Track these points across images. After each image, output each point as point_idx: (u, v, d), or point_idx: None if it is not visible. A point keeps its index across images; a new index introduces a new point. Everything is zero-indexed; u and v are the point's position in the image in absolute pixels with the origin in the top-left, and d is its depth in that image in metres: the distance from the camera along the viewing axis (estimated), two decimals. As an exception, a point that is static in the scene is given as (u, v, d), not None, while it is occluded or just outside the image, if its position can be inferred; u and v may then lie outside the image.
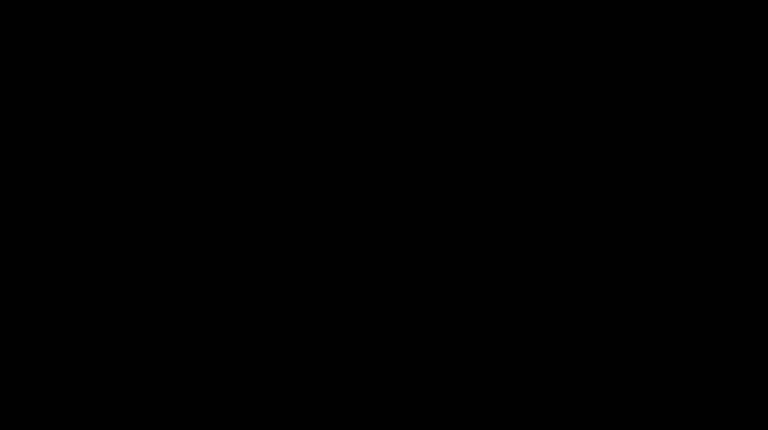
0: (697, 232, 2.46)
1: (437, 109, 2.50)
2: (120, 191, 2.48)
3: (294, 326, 2.46)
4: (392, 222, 2.48)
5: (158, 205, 2.47)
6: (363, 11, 2.50)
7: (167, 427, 2.43)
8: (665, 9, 2.48)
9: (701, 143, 2.47)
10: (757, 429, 2.40)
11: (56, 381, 2.44)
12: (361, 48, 2.50)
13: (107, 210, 2.47)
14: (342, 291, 2.47)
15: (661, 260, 2.45)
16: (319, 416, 2.44)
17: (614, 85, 2.48)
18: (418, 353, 2.45)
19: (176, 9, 2.49)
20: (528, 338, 2.45)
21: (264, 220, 2.48)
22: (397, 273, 2.47)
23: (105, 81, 2.49)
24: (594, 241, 2.46)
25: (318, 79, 2.50)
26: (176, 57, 2.50)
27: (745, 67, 2.48)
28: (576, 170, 2.48)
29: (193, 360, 2.45)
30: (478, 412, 2.44)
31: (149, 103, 2.49)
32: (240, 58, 2.50)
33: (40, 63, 2.49)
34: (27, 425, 2.42)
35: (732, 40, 2.48)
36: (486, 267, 2.47)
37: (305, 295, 2.47)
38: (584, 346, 2.44)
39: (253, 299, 2.47)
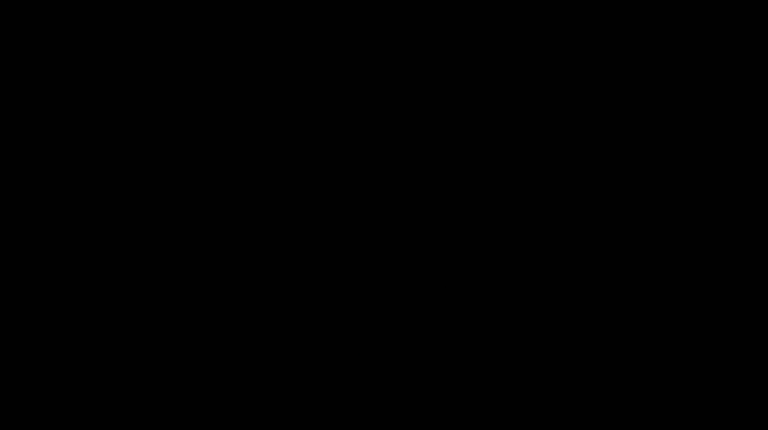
0: (697, 232, 2.46)
1: (437, 109, 2.50)
2: (120, 191, 2.48)
3: (294, 326, 2.47)
4: (392, 222, 2.48)
5: (158, 205, 2.48)
6: (363, 11, 2.50)
7: (167, 427, 2.43)
8: (665, 9, 2.48)
9: (701, 143, 2.47)
10: (757, 429, 2.40)
11: (56, 381, 2.44)
12: (362, 48, 2.50)
13: (107, 210, 2.47)
14: (342, 291, 2.47)
15: (661, 260, 2.46)
16: (319, 416, 2.44)
17: (614, 86, 2.49)
18: (418, 354, 2.45)
19: (176, 9, 2.50)
20: (528, 338, 2.45)
21: (264, 220, 2.48)
22: (397, 273, 2.47)
23: (105, 81, 2.50)
24: (594, 241, 2.46)
25: (318, 79, 2.50)
26: (176, 57, 2.50)
27: (745, 67, 2.48)
28: (575, 170, 2.48)
29: (193, 360, 2.45)
30: (478, 412, 2.44)
31: (149, 104, 2.49)
32: (240, 58, 2.51)
33: (40, 63, 2.49)
34: (27, 425, 2.42)
35: (732, 40, 2.48)
36: (486, 267, 2.47)
37: (305, 295, 2.47)
38: (585, 346, 2.45)
39: (253, 299, 2.47)
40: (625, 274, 2.45)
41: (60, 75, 2.49)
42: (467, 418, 2.43)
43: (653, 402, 2.42)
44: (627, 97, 2.48)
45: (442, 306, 2.47)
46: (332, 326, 2.46)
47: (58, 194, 2.47)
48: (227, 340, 2.46)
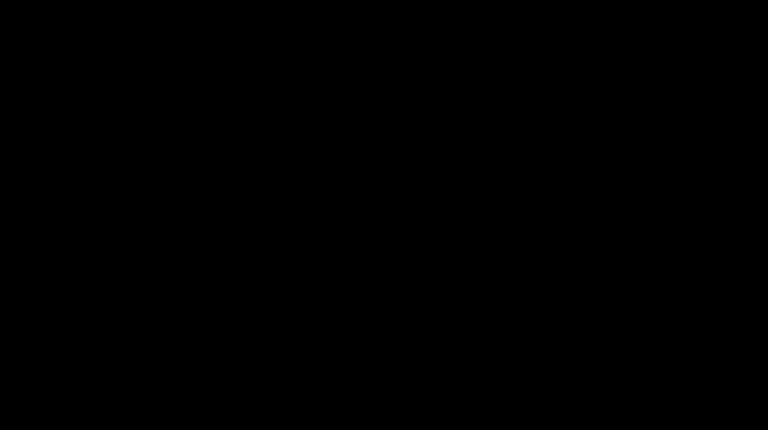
0: (697, 232, 2.46)
1: (437, 109, 2.50)
2: (120, 191, 2.48)
3: (294, 326, 2.47)
4: (392, 222, 2.48)
5: (158, 205, 2.48)
6: (363, 11, 2.50)
7: (167, 427, 2.43)
8: (665, 9, 2.48)
9: (701, 143, 2.47)
10: (757, 429, 2.40)
11: (56, 381, 2.44)
12: (362, 48, 2.50)
13: (107, 210, 2.47)
14: (342, 291, 2.47)
15: (661, 260, 2.46)
16: (319, 416, 2.44)
17: (614, 85, 2.49)
18: (418, 354, 2.45)
19: (176, 9, 2.50)
20: (528, 338, 2.45)
21: (264, 220, 2.48)
22: (397, 273, 2.47)
23: (105, 81, 2.50)
24: (594, 241, 2.47)
25: (318, 79, 2.50)
26: (176, 57, 2.50)
27: (745, 67, 2.48)
28: (576, 170, 2.48)
29: (193, 360, 2.45)
30: (478, 412, 2.44)
31: (149, 103, 2.49)
32: (240, 58, 2.51)
33: (40, 63, 2.49)
34: (27, 425, 2.42)
35: (732, 40, 2.48)
36: (486, 267, 2.47)
37: (305, 295, 2.47)
38: (585, 346, 2.45)
39: (253, 299, 2.47)
40: (625, 274, 2.46)
41: (60, 75, 2.49)
42: (467, 418, 2.44)
43: (653, 402, 2.42)
44: (627, 97, 2.48)
45: (442, 306, 2.47)
46: (332, 327, 2.46)
47: (59, 194, 2.47)
48: (228, 340, 2.46)
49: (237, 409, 2.44)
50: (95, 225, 2.47)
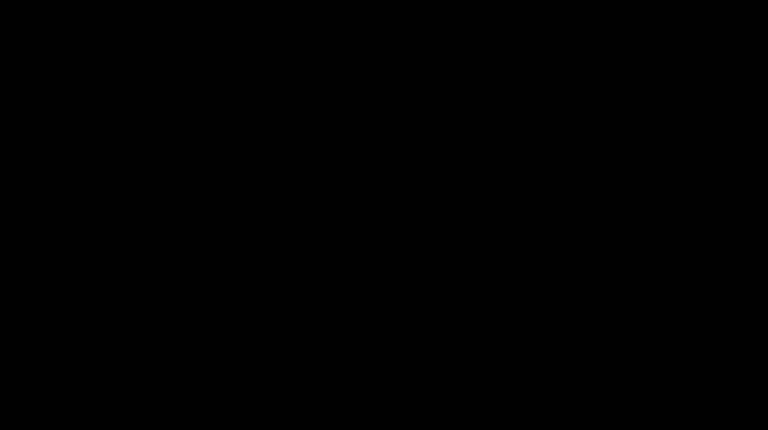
0: (697, 232, 2.46)
1: (437, 109, 2.50)
2: (120, 191, 2.48)
3: (294, 326, 2.47)
4: (392, 222, 2.48)
5: (158, 205, 2.48)
6: (363, 11, 2.50)
7: (167, 427, 2.43)
8: (665, 9, 2.48)
9: (701, 143, 2.48)
10: (757, 429, 2.40)
11: (56, 381, 2.44)
12: (362, 48, 2.51)
13: (107, 210, 2.47)
14: (342, 291, 2.47)
15: (661, 260, 2.46)
16: (319, 416, 2.44)
17: (614, 86, 2.49)
18: (418, 354, 2.46)
19: (176, 9, 2.50)
20: (528, 338, 2.45)
21: (264, 220, 2.48)
22: (397, 273, 2.47)
23: (105, 81, 2.50)
24: (594, 241, 2.47)
25: (318, 79, 2.50)
26: (176, 57, 2.50)
27: (745, 67, 2.48)
28: (576, 170, 2.48)
29: (193, 360, 2.45)
30: (478, 412, 2.44)
31: (149, 103, 2.49)
32: (240, 58, 2.51)
33: (40, 63, 2.49)
34: (27, 425, 2.42)
35: (732, 40, 2.48)
36: (486, 267, 2.47)
37: (305, 295, 2.47)
38: (585, 346, 2.45)
39: (253, 299, 2.47)
40: (625, 274, 2.46)
41: (60, 75, 2.49)
42: (467, 418, 2.44)
43: (653, 402, 2.43)
44: (627, 97, 2.49)
45: (442, 306, 2.47)
46: (332, 327, 2.46)
47: (58, 194, 2.47)
48: (228, 340, 2.46)
49: (237, 409, 2.44)
50: (95, 225, 2.47)
